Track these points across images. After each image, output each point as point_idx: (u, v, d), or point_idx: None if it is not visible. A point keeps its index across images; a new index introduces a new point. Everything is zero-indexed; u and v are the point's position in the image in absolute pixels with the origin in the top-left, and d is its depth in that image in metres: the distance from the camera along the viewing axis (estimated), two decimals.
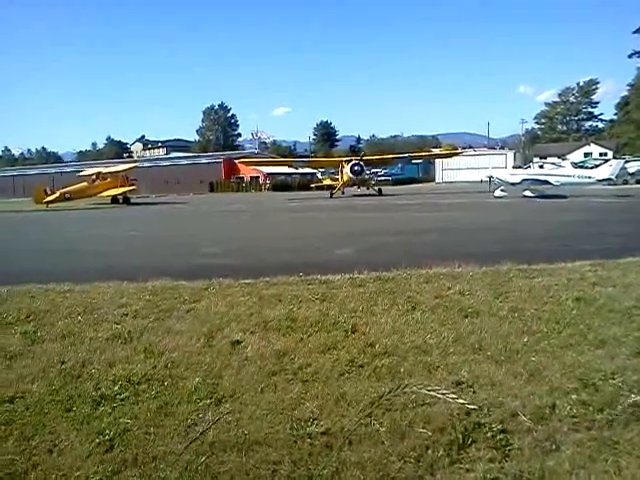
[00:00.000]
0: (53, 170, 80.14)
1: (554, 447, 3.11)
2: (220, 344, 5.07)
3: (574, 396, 3.71)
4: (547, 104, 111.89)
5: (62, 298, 7.09)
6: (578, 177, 30.56)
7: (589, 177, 30.37)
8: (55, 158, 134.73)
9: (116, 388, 4.11)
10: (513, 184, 29.67)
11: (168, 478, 2.94)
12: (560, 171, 34.18)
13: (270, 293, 7.01)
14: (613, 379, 3.93)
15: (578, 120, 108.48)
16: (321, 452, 3.14)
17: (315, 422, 3.48)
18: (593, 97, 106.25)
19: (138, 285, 7.73)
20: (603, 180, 29.63)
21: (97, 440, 3.32)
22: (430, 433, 3.28)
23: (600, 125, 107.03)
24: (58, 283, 7.94)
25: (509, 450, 3.10)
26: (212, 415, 3.62)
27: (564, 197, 27.27)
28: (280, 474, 2.95)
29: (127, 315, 6.17)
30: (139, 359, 4.73)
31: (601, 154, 70.65)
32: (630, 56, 79.71)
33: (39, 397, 4.00)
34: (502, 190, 29.94)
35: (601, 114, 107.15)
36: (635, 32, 76.98)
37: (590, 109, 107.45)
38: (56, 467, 3.06)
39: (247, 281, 7.76)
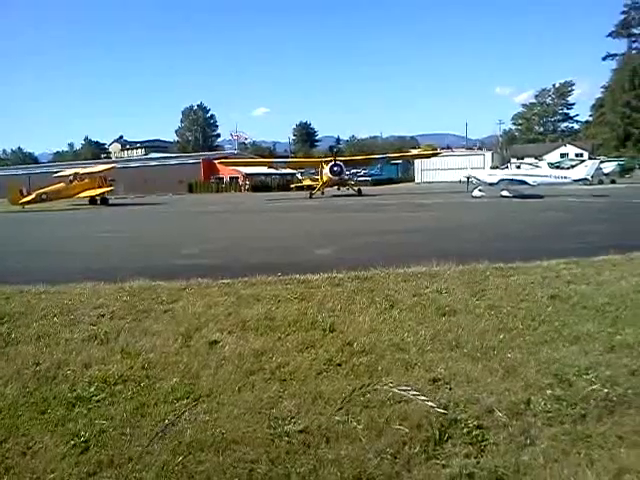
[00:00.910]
0: (22, 171, 78.24)
1: (529, 442, 3.15)
2: (198, 344, 5.04)
3: (549, 391, 3.76)
4: (524, 105, 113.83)
5: (37, 299, 6.98)
6: (554, 177, 31.01)
7: (565, 177, 30.85)
8: (32, 159, 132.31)
9: (92, 389, 4.06)
10: (491, 184, 30.00)
11: (144, 478, 2.91)
12: (537, 171, 34.63)
13: (248, 293, 6.98)
14: (587, 374, 4.00)
15: (554, 121, 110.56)
16: (298, 450, 3.14)
17: (293, 420, 3.48)
18: (569, 99, 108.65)
19: (115, 286, 7.64)
20: (579, 180, 30.14)
21: (72, 442, 3.28)
22: (407, 430, 3.30)
23: (576, 126, 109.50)
24: (34, 284, 7.81)
25: (485, 445, 3.13)
26: (189, 415, 3.60)
27: (541, 197, 27.62)
28: (257, 473, 2.94)
29: (104, 316, 6.10)
30: (115, 360, 4.68)
31: (577, 155, 71.97)
32: (604, 58, 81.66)
33: (13, 399, 3.93)
34: (480, 190, 30.22)
35: (576, 115, 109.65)
36: (609, 35, 78.80)
37: (566, 110, 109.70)
38: (30, 470, 3.01)
39: (225, 281, 7.72)
